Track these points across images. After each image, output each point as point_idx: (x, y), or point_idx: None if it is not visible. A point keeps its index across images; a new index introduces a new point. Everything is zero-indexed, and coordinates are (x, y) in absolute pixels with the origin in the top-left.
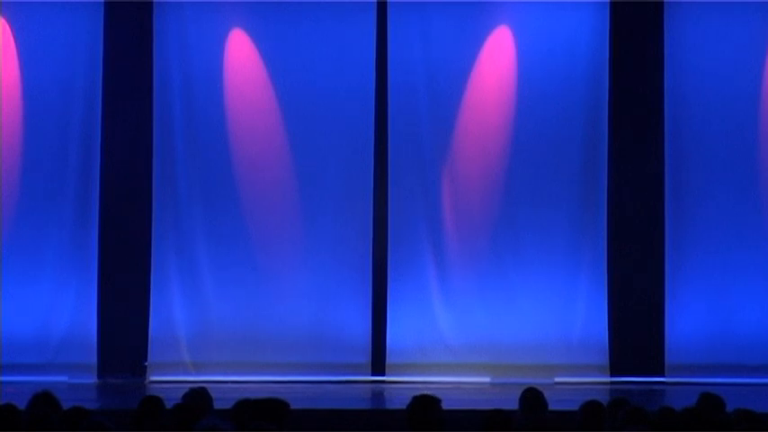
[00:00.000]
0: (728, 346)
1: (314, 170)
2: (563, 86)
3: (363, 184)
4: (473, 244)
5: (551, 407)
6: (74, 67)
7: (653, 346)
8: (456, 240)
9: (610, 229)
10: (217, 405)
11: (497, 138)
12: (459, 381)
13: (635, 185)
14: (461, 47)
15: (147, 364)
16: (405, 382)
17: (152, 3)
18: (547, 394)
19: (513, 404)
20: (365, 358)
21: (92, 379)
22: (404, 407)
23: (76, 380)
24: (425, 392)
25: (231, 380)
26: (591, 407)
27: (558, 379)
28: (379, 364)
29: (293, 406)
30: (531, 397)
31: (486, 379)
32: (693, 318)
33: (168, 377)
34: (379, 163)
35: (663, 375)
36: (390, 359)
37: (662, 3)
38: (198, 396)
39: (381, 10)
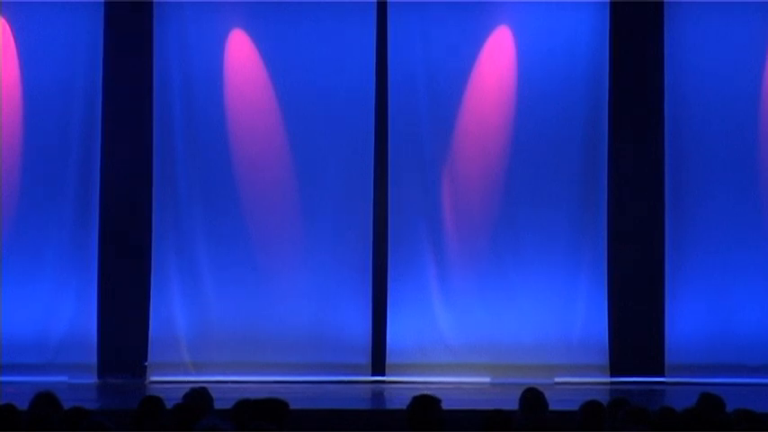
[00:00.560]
0: (728, 346)
1: (314, 170)
2: (563, 86)
3: (363, 184)
4: (473, 244)
5: (551, 407)
6: (74, 67)
7: (653, 346)
8: (456, 240)
9: (610, 229)
10: (217, 405)
11: (497, 138)
12: (459, 381)
13: (635, 185)
14: (461, 47)
15: (147, 364)
16: (405, 382)
17: (152, 3)
18: (547, 394)
19: (513, 404)
20: (365, 358)
21: (92, 379)
22: (404, 407)
23: (76, 380)
24: (425, 392)
25: (231, 380)
26: (591, 407)
27: (558, 379)
28: (379, 365)
29: (293, 406)
30: (532, 397)
31: (486, 379)
32: (693, 318)
33: (168, 377)
34: (379, 163)
35: (663, 375)
36: (390, 359)
37: (662, 3)
38: (198, 396)
39: (381, 10)
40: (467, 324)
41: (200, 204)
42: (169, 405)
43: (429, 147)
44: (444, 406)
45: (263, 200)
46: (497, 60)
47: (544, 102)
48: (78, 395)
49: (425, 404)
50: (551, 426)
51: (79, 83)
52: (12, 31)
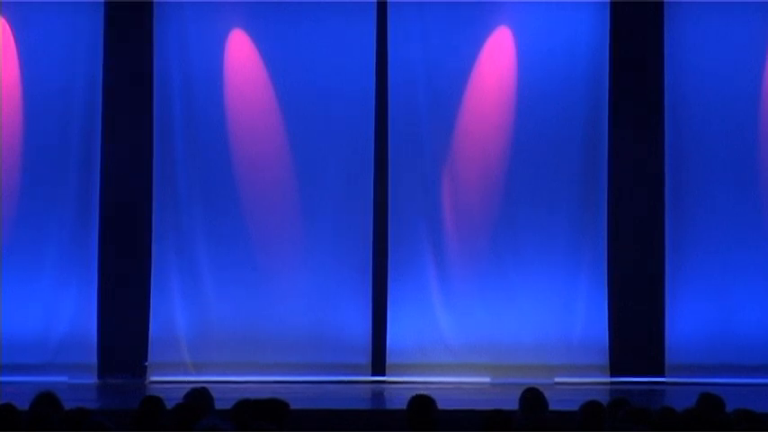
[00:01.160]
0: (728, 346)
1: (314, 170)
2: (563, 86)
3: (363, 184)
4: (473, 244)
5: (551, 407)
6: (74, 67)
7: (653, 346)
8: (456, 240)
9: (610, 229)
10: (217, 405)
11: (497, 138)
12: (459, 381)
13: (635, 185)
14: (461, 47)
15: (147, 364)
16: (405, 382)
17: (152, 3)
18: (547, 394)
19: (513, 404)
20: (365, 358)
21: (92, 379)
22: (404, 407)
23: (76, 380)
24: (421, 393)
25: (231, 380)
26: (591, 407)
27: (558, 379)
28: (379, 365)
29: (293, 406)
30: (532, 397)
31: (486, 379)
32: (693, 318)
33: (168, 377)
34: (379, 163)
35: (663, 375)
36: (390, 359)
37: (662, 3)
38: (199, 396)
39: (381, 10)
40: (467, 324)
41: (200, 204)
42: (169, 405)
43: (429, 147)
44: (444, 406)
45: (263, 200)
46: (497, 60)
47: (544, 102)
48: (78, 395)
49: (421, 404)
50: (551, 426)
51: (79, 83)
52: (12, 31)
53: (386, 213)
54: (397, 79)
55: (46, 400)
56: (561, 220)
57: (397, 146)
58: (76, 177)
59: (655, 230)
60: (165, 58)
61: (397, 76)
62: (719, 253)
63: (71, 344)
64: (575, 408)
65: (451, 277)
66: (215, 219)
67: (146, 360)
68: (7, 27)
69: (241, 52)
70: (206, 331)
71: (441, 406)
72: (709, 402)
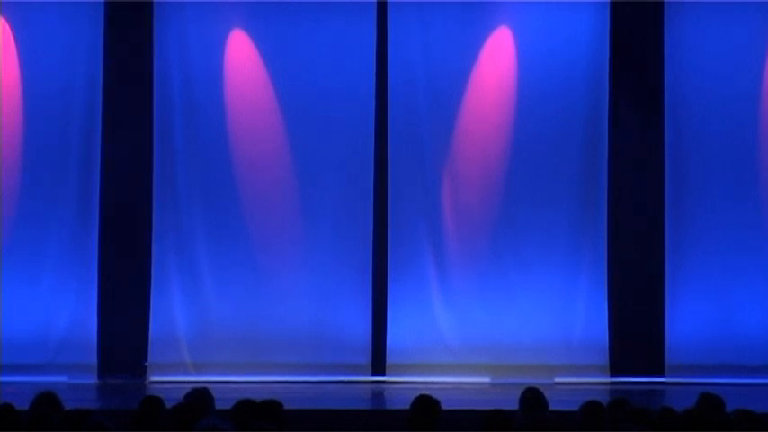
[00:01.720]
0: (728, 346)
1: (314, 170)
2: (563, 86)
3: (363, 184)
4: (473, 244)
5: (551, 407)
6: (74, 67)
7: (653, 346)
8: (456, 240)
9: (610, 229)
10: (217, 405)
11: (497, 138)
12: (459, 381)
13: (635, 185)
14: (461, 47)
15: (147, 364)
16: (405, 382)
17: (152, 3)
18: (547, 394)
19: (513, 404)
20: (365, 358)
21: (92, 379)
22: (404, 407)
23: (76, 380)
24: (425, 393)
25: (231, 380)
26: (591, 407)
27: (558, 379)
28: (379, 365)
29: (293, 406)
30: (532, 397)
31: (486, 379)
32: (693, 318)
33: (168, 377)
34: (379, 163)
35: (663, 375)
36: (390, 359)
37: (662, 3)
38: (200, 396)
39: (381, 10)
40: (467, 324)
41: (200, 204)
42: (169, 405)
43: (429, 147)
44: (444, 406)
45: (263, 200)
46: (497, 60)
47: (544, 102)
48: (78, 395)
49: (426, 405)
50: (551, 426)
51: (79, 83)
52: (12, 31)
53: (386, 213)
54: (397, 79)
55: (46, 400)
56: (561, 220)
57: (397, 146)
58: (76, 177)
59: (655, 230)
60: (165, 58)
61: (397, 76)
62: (719, 253)
63: (71, 344)
64: (575, 408)
65: (451, 277)
66: (215, 219)
67: (146, 360)
68: (7, 27)
69: (241, 52)
70: (206, 331)
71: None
72: (709, 402)
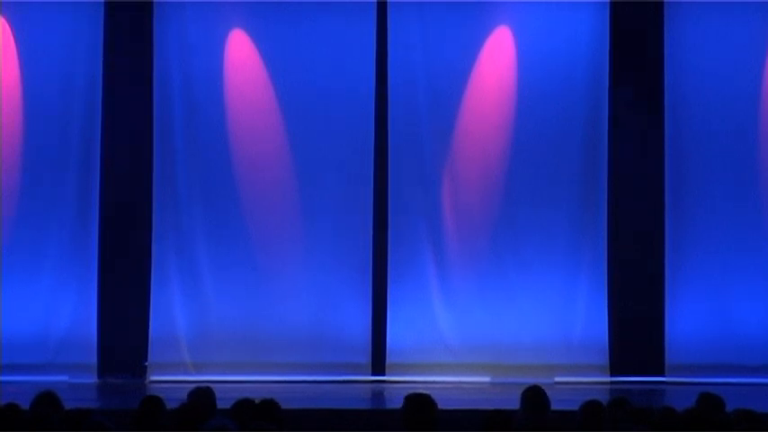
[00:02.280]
0: (728, 346)
1: (314, 170)
2: (563, 86)
3: (363, 184)
4: (473, 244)
5: (551, 407)
6: (74, 67)
7: (653, 346)
8: (456, 240)
9: (610, 229)
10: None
11: (497, 138)
12: (459, 381)
13: (635, 185)
14: (461, 47)
15: (147, 364)
16: (405, 382)
17: (152, 3)
18: (547, 394)
19: (513, 404)
20: (365, 358)
21: (92, 379)
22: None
23: (76, 380)
24: (416, 391)
25: (231, 380)
26: (591, 407)
27: (558, 379)
28: (379, 364)
29: (293, 406)
30: (533, 395)
31: (486, 379)
32: (693, 318)
33: (168, 377)
34: (379, 163)
35: (663, 375)
36: (390, 359)
37: (662, 3)
38: (203, 395)
39: (381, 10)
40: (467, 324)
41: (200, 204)
42: (169, 405)
43: (429, 147)
44: (444, 406)
45: (263, 200)
46: (497, 60)
47: (544, 102)
48: (78, 395)
49: (419, 404)
50: (551, 425)
51: (79, 83)
52: (12, 31)
53: (386, 213)
54: (396, 79)
55: (46, 400)
56: (561, 220)
57: (397, 146)
58: (76, 177)
59: (655, 230)
60: (165, 58)
61: (397, 76)
62: (719, 253)
63: (71, 344)
64: (575, 407)
65: (451, 277)
66: (215, 219)
67: (146, 360)
68: (7, 27)
69: (241, 52)
70: (206, 331)
71: (441, 406)
72: (710, 402)
